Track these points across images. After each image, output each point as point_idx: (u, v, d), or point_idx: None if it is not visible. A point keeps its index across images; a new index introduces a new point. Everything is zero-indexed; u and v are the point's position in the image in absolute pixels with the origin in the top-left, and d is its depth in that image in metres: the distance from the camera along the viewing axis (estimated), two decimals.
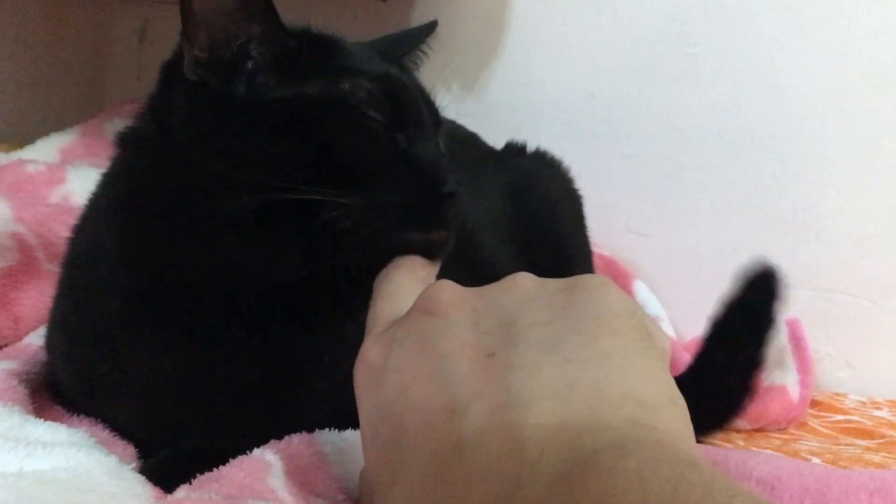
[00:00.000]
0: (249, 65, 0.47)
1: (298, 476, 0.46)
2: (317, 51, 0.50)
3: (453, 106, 1.27)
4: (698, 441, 0.68)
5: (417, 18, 1.28)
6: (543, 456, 0.27)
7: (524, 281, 0.37)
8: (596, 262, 1.04)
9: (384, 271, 0.44)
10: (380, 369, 0.35)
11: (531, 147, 1.02)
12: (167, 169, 0.48)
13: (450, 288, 0.37)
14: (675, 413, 0.31)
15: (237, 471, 0.45)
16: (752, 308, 0.68)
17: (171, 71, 0.49)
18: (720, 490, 0.24)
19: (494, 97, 1.28)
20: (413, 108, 0.50)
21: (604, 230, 1.13)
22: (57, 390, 0.58)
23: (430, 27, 0.64)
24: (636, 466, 0.25)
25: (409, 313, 0.37)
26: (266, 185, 0.43)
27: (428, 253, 0.47)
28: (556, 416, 0.28)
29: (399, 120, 0.49)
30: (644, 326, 0.33)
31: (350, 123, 0.47)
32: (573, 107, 1.22)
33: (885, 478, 0.52)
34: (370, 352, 0.37)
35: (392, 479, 0.32)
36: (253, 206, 0.44)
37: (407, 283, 0.43)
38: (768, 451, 0.76)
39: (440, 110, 0.55)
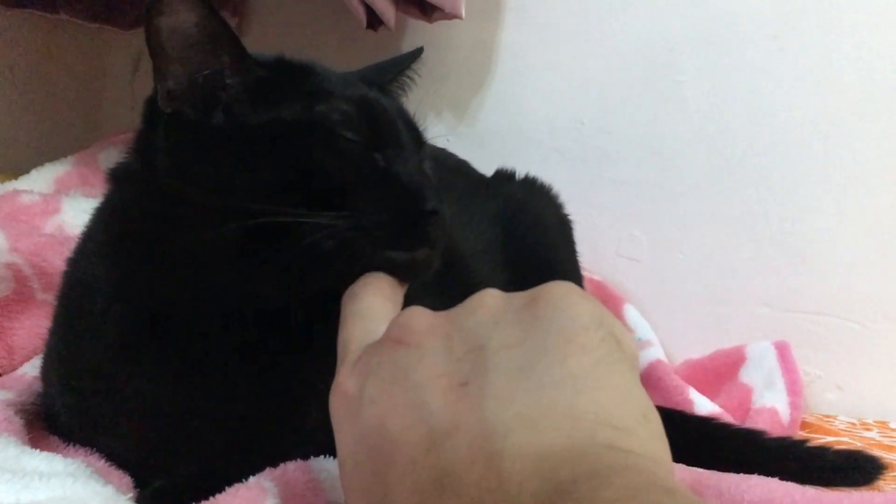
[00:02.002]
0: (223, 94, 0.48)
1: (294, 503, 0.47)
2: (292, 77, 0.51)
3: (444, 133, 1.28)
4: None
5: (408, 47, 1.28)
6: (523, 487, 0.27)
7: (490, 299, 0.36)
8: (586, 286, 1.05)
9: (351, 291, 0.43)
10: (356, 400, 0.35)
11: (521, 174, 1.03)
12: (153, 201, 0.48)
13: (421, 315, 0.37)
14: (649, 432, 0.31)
15: (233, 498, 0.45)
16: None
17: (153, 105, 0.50)
18: None
19: (485, 124, 1.30)
20: (391, 128, 0.51)
21: (594, 255, 1.14)
22: (53, 420, 0.58)
23: (416, 54, 0.65)
24: (613, 496, 0.25)
25: (381, 342, 0.37)
26: (249, 210, 0.43)
27: (411, 272, 0.46)
28: (532, 445, 0.28)
29: (377, 140, 0.49)
30: (612, 337, 0.33)
31: (326, 145, 0.47)
32: (563, 134, 1.24)
33: (875, 501, 0.53)
34: (345, 382, 0.36)
35: None
36: (237, 233, 0.44)
37: (377, 303, 0.42)
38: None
39: (423, 132, 0.55)
